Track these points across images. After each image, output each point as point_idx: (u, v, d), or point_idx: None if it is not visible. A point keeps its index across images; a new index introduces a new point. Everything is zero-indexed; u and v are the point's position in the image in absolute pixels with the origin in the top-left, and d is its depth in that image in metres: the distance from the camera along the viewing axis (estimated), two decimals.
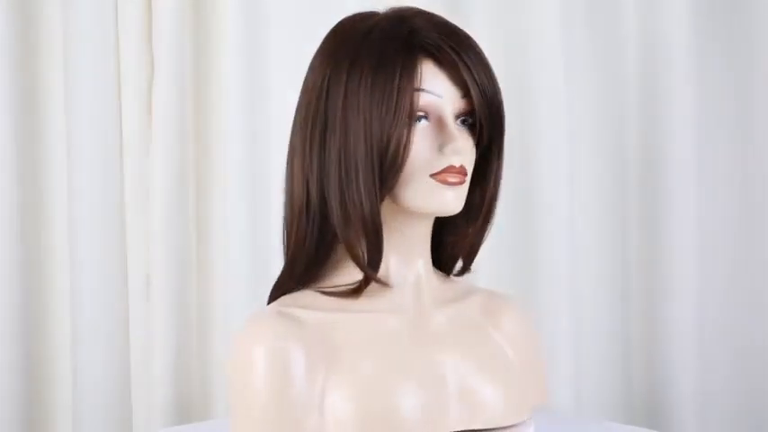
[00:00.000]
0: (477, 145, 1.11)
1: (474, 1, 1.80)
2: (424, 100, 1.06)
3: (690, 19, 1.79)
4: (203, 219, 1.86)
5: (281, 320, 1.04)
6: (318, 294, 1.10)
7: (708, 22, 1.84)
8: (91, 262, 1.83)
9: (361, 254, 1.08)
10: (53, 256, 1.88)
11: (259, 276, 1.79)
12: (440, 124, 1.07)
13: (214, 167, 1.84)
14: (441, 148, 1.06)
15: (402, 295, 1.12)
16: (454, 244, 1.18)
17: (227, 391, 1.06)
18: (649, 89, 1.82)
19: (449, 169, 1.06)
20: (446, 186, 1.06)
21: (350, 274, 1.10)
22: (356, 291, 1.09)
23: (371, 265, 1.08)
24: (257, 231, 1.80)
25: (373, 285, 1.10)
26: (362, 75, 1.05)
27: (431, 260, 1.16)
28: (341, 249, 1.10)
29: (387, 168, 1.04)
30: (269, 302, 1.14)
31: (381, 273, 1.10)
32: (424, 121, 1.07)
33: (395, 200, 1.08)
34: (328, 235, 1.09)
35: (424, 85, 1.05)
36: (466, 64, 1.07)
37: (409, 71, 1.04)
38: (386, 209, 1.08)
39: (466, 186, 1.09)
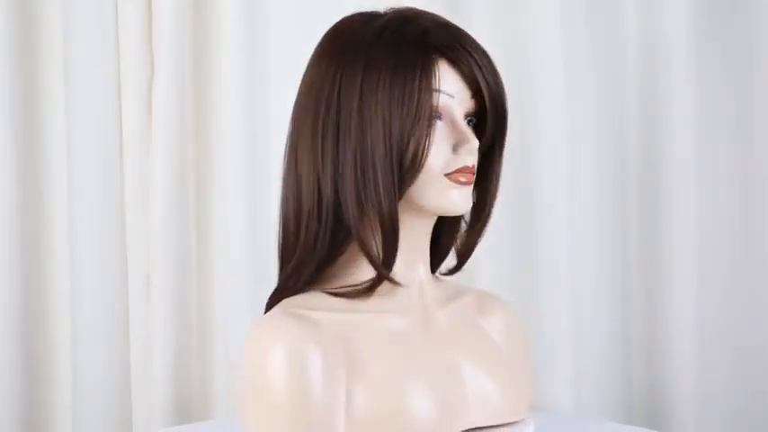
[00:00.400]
0: (480, 144, 1.11)
1: (474, 1, 1.80)
2: (440, 100, 1.06)
3: (690, 19, 1.79)
4: (203, 219, 1.86)
5: (296, 321, 1.03)
6: (326, 295, 1.09)
7: (708, 22, 1.83)
8: (91, 262, 1.83)
9: (376, 253, 1.07)
10: (53, 256, 1.89)
11: (259, 276, 1.78)
12: (452, 124, 1.07)
13: (214, 167, 1.85)
14: (455, 148, 1.06)
15: (409, 295, 1.12)
16: (450, 244, 1.18)
17: (242, 394, 1.04)
18: (649, 89, 1.82)
19: (462, 169, 1.07)
20: (458, 186, 1.07)
21: (357, 275, 1.10)
22: (368, 290, 1.09)
23: (386, 264, 1.08)
24: (257, 231, 1.80)
25: (380, 286, 1.09)
26: (380, 76, 1.04)
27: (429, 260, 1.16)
28: (349, 250, 1.10)
29: (406, 168, 1.04)
30: (268, 307, 1.12)
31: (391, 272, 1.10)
32: (439, 122, 1.07)
33: (408, 199, 1.08)
34: (339, 235, 1.08)
35: (441, 86, 1.06)
36: (478, 64, 1.07)
37: (428, 72, 1.05)
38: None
39: (472, 186, 1.09)
